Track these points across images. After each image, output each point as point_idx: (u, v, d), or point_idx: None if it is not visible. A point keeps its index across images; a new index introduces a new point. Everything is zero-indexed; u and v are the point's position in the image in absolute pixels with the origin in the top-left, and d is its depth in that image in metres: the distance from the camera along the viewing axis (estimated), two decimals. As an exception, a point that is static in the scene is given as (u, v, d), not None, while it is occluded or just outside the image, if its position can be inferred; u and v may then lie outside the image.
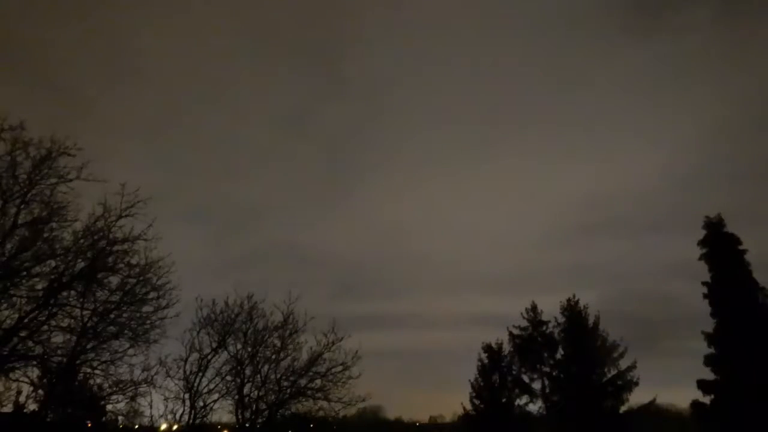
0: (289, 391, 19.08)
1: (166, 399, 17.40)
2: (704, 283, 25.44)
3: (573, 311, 30.89)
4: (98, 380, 16.45)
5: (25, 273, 14.69)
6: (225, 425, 20.84)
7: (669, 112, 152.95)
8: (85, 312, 15.39)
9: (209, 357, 18.33)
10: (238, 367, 18.73)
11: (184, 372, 17.83)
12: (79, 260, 15.28)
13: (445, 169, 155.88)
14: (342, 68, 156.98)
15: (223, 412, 19.06)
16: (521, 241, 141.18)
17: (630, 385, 28.70)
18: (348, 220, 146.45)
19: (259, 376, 19.00)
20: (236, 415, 18.69)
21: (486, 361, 32.34)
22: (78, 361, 15.61)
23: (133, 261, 15.92)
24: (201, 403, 17.99)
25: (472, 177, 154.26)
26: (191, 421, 17.59)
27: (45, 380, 15.85)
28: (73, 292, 15.29)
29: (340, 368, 19.01)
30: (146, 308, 16.20)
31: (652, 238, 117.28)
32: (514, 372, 31.76)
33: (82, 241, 15.38)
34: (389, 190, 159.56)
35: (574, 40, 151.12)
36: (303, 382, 19.17)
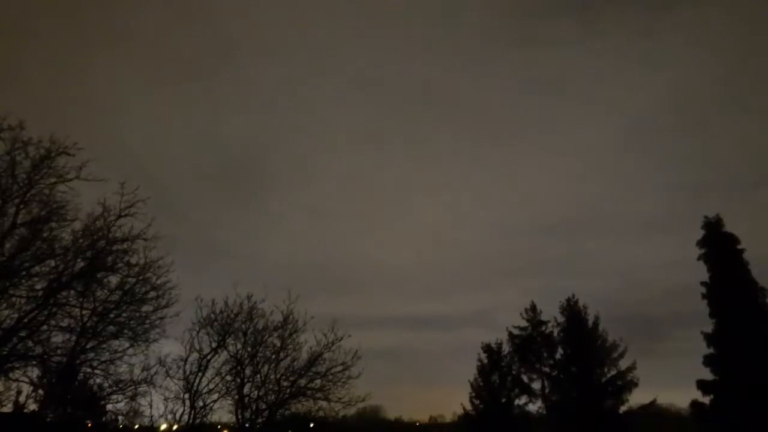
0: (289, 391, 19.05)
1: (166, 399, 17.37)
2: (703, 283, 25.46)
3: (572, 311, 30.92)
4: (98, 380, 16.45)
5: (24, 273, 14.67)
6: (225, 425, 20.81)
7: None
8: (84, 312, 15.39)
9: (209, 357, 18.29)
10: (238, 367, 18.70)
11: (184, 372, 17.80)
12: (79, 260, 15.27)
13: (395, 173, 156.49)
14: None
15: (223, 412, 19.04)
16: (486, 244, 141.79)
17: (630, 385, 28.75)
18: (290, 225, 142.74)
19: (259, 376, 18.97)
20: (236, 415, 18.65)
21: (485, 361, 32.36)
22: (78, 361, 15.59)
23: (133, 260, 15.94)
24: (201, 403, 17.95)
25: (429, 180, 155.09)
26: (191, 421, 17.56)
27: (45, 380, 15.83)
28: (72, 292, 15.28)
29: (340, 368, 18.99)
30: (146, 308, 16.21)
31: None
32: (513, 372, 31.78)
33: (81, 240, 15.38)
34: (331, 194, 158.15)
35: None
36: (303, 382, 19.14)
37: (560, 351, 30.71)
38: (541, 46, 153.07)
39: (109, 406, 17.01)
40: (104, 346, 15.87)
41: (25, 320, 14.52)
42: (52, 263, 14.98)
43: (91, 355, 15.79)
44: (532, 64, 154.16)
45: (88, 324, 15.39)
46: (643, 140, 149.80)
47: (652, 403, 29.47)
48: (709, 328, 24.79)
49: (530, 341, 31.70)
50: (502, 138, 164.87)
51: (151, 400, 16.98)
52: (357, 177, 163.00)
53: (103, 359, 15.84)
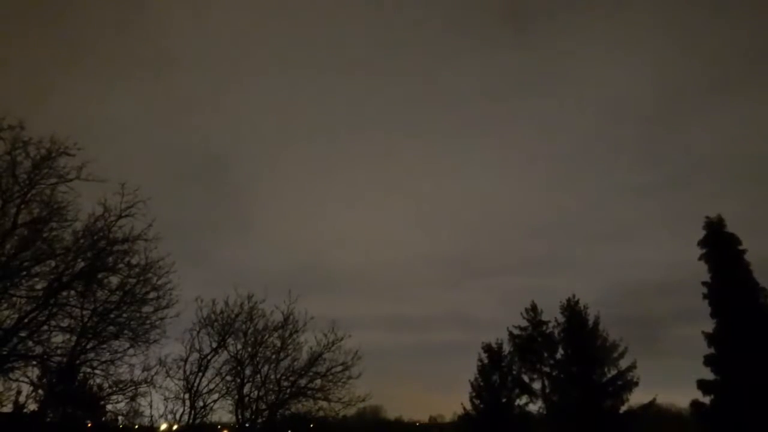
0: (289, 391, 19.06)
1: (166, 399, 17.39)
2: (704, 283, 25.42)
3: (573, 311, 30.90)
4: (98, 380, 16.46)
5: (24, 273, 14.68)
6: (225, 425, 20.82)
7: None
8: (85, 312, 15.40)
9: (209, 357, 18.31)
10: (238, 367, 18.71)
11: (184, 372, 17.82)
12: (79, 260, 15.27)
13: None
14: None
15: (223, 412, 19.06)
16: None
17: (630, 385, 28.71)
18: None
19: (259, 376, 18.99)
20: (236, 415, 18.67)
21: (486, 361, 32.32)
22: (78, 361, 15.59)
23: (133, 261, 15.95)
24: (201, 403, 17.97)
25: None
26: (191, 421, 17.57)
27: (45, 380, 15.84)
28: (73, 292, 15.28)
29: (340, 368, 19.02)
30: (146, 308, 16.22)
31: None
32: (514, 372, 31.75)
33: (81, 241, 15.38)
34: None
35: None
36: (303, 382, 19.16)
37: (560, 351, 30.69)
38: (509, 47, 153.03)
39: (109, 407, 17.03)
40: (104, 346, 15.88)
41: (26, 320, 14.53)
42: (53, 263, 15.00)
43: (92, 355, 15.82)
44: (508, 64, 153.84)
45: (89, 324, 15.40)
46: (622, 137, 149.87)
47: (652, 402, 29.43)
48: (709, 328, 24.77)
49: (531, 341, 31.69)
50: (477, 139, 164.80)
51: (151, 400, 17.02)
52: (335, 178, 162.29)
53: (103, 359, 15.86)
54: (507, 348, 32.33)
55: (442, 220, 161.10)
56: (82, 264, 15.27)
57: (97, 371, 15.93)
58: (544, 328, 31.84)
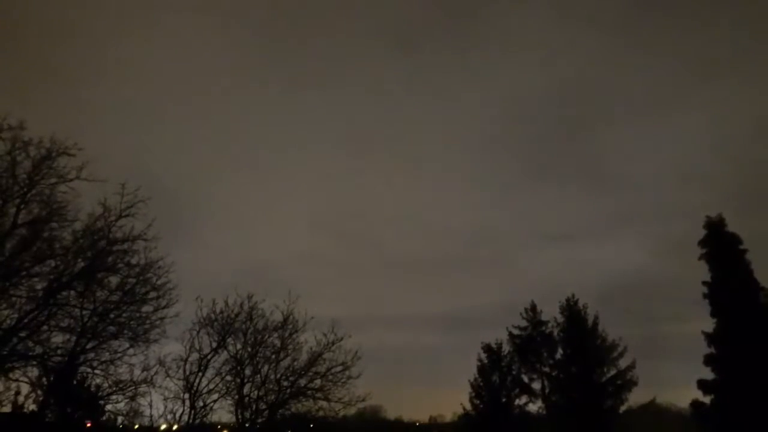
0: (289, 391, 19.07)
1: (165, 399, 17.40)
2: (704, 283, 25.39)
3: (572, 311, 30.93)
4: (98, 380, 16.46)
5: (24, 273, 14.67)
6: (225, 425, 20.81)
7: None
8: (84, 312, 15.39)
9: (209, 357, 18.31)
10: (238, 367, 18.72)
11: (184, 372, 17.82)
12: (79, 260, 15.28)
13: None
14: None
15: (223, 412, 19.07)
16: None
17: (629, 384, 28.80)
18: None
19: (259, 376, 19.00)
20: (236, 415, 18.67)
21: (486, 361, 32.35)
22: (78, 361, 15.59)
23: (133, 261, 15.96)
24: (201, 403, 17.97)
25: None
26: (191, 421, 17.57)
27: (44, 380, 15.83)
28: (72, 292, 15.29)
29: (340, 368, 19.04)
30: (146, 308, 16.24)
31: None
32: (513, 372, 31.80)
33: (81, 240, 15.38)
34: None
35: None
36: (303, 382, 19.18)
37: (560, 351, 30.73)
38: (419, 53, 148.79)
39: (109, 406, 17.02)
40: (104, 346, 15.90)
41: (26, 320, 14.53)
42: (53, 263, 15.01)
43: (91, 355, 15.84)
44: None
45: (88, 324, 15.40)
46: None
47: (652, 402, 29.51)
48: (709, 327, 24.76)
49: (530, 341, 31.72)
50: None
51: (151, 400, 17.04)
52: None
53: (103, 359, 15.89)
54: (507, 348, 32.41)
55: (424, 221, 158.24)
56: (82, 264, 15.28)
57: (97, 371, 15.98)
58: (544, 328, 31.88)
